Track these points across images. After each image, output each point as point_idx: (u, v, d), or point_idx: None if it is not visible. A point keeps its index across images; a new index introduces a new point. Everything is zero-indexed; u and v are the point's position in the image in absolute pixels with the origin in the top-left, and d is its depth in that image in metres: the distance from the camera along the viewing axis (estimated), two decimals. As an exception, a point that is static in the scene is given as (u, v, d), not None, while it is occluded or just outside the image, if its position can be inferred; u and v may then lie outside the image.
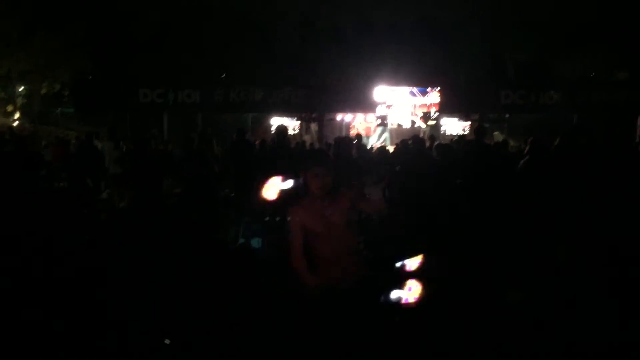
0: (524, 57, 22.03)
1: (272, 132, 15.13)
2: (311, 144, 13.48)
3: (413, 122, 16.83)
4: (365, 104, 16.24)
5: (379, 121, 17.12)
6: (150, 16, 22.17)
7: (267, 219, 5.77)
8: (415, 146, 7.57)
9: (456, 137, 14.33)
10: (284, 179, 3.29)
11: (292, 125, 18.65)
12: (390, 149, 12.87)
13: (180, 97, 15.15)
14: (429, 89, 16.24)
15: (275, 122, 18.52)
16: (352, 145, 7.06)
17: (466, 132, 16.84)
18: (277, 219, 5.30)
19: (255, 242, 5.53)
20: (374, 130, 19.06)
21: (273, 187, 3.33)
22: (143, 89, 15.10)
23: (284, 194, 3.32)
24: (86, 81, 16.96)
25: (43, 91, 22.78)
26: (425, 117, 16.66)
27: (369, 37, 23.32)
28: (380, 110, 16.51)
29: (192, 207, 7.12)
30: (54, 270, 5.22)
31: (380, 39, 23.05)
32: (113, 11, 21.77)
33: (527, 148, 7.32)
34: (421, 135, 16.71)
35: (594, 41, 20.39)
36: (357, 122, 18.95)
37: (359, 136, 12.49)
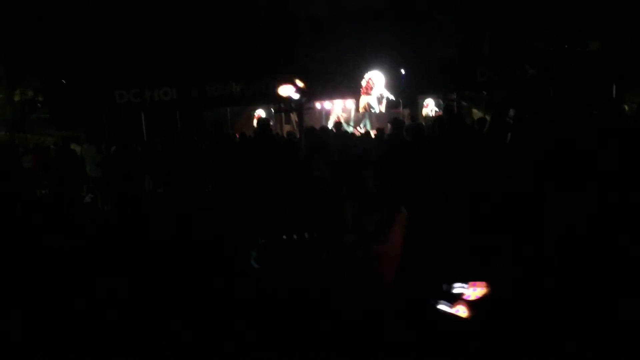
0: (499, 34, 22.14)
1: (254, 125, 14.97)
2: (288, 132, 13.23)
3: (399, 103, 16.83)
4: (345, 90, 16.22)
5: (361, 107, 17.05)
6: (121, 15, 21.80)
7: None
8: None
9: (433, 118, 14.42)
10: None
11: (272, 116, 18.57)
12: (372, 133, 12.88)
13: (157, 95, 15.00)
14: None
15: (255, 114, 18.50)
16: (329, 135, 6.74)
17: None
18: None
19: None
20: (354, 117, 19.05)
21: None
22: (118, 89, 14.92)
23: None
24: (60, 86, 16.64)
25: (16, 98, 22.41)
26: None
27: (344, 21, 23.15)
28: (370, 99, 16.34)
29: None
30: (43, 276, 5.20)
31: (355, 23, 22.88)
32: (83, 13, 21.38)
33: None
34: (401, 117, 16.83)
35: (566, 14, 20.55)
36: (337, 110, 18.90)
37: (337, 124, 11.78)
